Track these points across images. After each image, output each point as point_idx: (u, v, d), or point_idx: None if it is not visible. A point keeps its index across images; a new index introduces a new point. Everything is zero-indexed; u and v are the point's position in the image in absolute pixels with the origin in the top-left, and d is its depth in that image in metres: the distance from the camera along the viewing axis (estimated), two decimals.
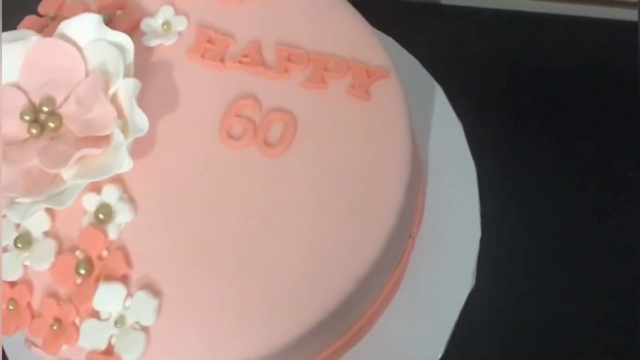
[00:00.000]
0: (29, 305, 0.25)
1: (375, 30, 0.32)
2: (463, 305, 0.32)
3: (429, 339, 0.32)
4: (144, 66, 0.28)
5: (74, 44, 0.27)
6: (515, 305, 0.35)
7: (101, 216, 0.26)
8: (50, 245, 0.26)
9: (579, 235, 0.36)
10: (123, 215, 0.26)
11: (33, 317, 0.25)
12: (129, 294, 0.25)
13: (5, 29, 0.28)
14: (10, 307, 0.25)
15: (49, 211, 0.26)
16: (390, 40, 0.37)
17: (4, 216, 0.26)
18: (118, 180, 0.26)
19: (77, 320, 0.25)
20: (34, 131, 0.26)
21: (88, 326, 0.24)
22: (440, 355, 0.31)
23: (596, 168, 0.38)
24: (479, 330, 0.34)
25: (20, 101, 0.27)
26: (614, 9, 0.43)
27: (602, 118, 0.40)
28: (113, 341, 0.24)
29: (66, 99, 0.27)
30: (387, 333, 0.31)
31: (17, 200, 0.25)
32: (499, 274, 0.34)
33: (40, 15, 0.31)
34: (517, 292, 0.35)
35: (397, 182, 0.27)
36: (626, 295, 0.35)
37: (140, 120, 0.25)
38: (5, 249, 0.26)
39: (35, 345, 0.26)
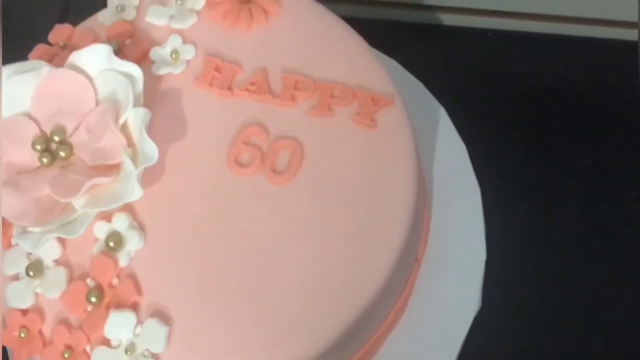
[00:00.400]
0: (40, 332, 0.26)
1: (379, 53, 0.33)
2: (469, 327, 0.32)
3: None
4: (153, 94, 0.29)
5: (84, 73, 0.27)
6: (522, 327, 0.35)
7: (111, 244, 0.26)
8: (62, 273, 0.26)
9: (585, 255, 0.37)
10: (133, 243, 0.26)
11: (44, 344, 0.25)
12: (139, 322, 0.25)
13: (15, 58, 0.29)
14: (22, 335, 0.26)
15: (60, 239, 0.26)
16: (394, 63, 0.37)
17: (16, 244, 0.27)
18: (128, 208, 0.27)
19: (88, 348, 0.25)
20: (45, 160, 0.26)
21: (99, 354, 0.25)
22: None
23: (600, 188, 0.39)
24: (485, 352, 0.34)
25: (32, 131, 0.27)
26: (614, 29, 0.43)
27: (605, 137, 0.40)
28: None
29: (77, 128, 0.27)
30: (393, 356, 0.31)
31: (28, 229, 0.25)
32: (505, 296, 0.34)
33: (50, 44, 0.31)
34: (523, 314, 0.35)
35: (403, 207, 0.27)
36: (635, 313, 0.35)
37: (150, 149, 0.26)
38: (16, 277, 0.26)
39: None
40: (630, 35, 0.43)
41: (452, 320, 0.32)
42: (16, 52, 0.31)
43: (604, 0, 0.42)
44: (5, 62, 0.28)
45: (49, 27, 0.45)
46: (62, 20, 0.46)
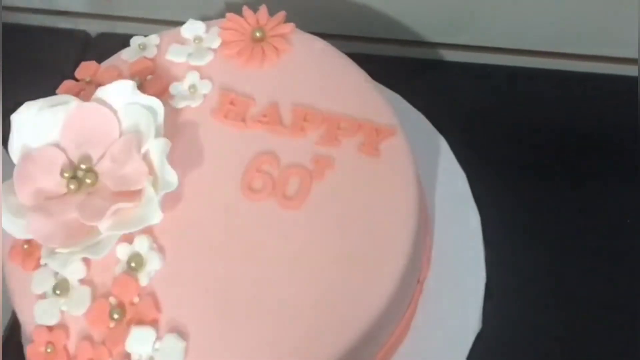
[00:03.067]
0: (65, 348, 0.27)
1: (382, 87, 0.34)
2: (470, 347, 0.33)
3: None
4: (172, 126, 0.30)
5: (109, 107, 0.29)
6: (521, 347, 0.36)
7: (133, 264, 0.28)
8: (86, 292, 0.28)
9: (583, 278, 0.37)
10: (153, 264, 0.28)
11: (69, 359, 0.27)
12: (159, 337, 0.26)
13: (42, 93, 0.31)
14: (48, 350, 0.27)
15: (85, 260, 0.28)
16: (396, 96, 0.39)
17: (43, 265, 0.28)
18: (148, 231, 0.28)
19: None
20: (72, 187, 0.28)
21: None
22: None
23: (598, 215, 0.40)
24: None
25: (60, 159, 0.29)
26: (614, 65, 0.45)
27: (602, 169, 0.41)
28: None
29: (102, 156, 0.29)
30: None
31: (56, 250, 0.27)
32: (505, 318, 0.35)
33: (77, 79, 0.33)
34: (522, 335, 0.36)
35: (406, 231, 0.29)
36: (635, 336, 0.35)
37: (170, 176, 0.28)
38: (44, 296, 0.28)
39: None
40: (629, 70, 0.44)
41: (454, 340, 0.33)
42: (43, 87, 0.33)
43: (603, 37, 0.44)
44: (29, 96, 0.30)
45: (69, 63, 0.48)
46: (81, 57, 0.48)
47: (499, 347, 0.35)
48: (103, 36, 0.51)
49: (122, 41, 0.35)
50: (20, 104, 0.30)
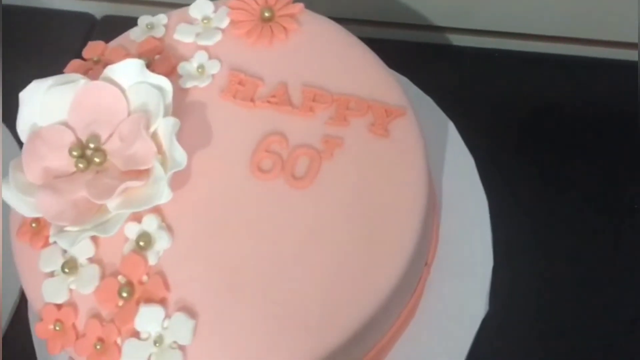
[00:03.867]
0: (74, 326, 0.27)
1: (391, 71, 0.34)
2: (477, 330, 0.33)
3: None
4: (180, 106, 0.30)
5: (118, 86, 0.29)
6: (528, 330, 0.36)
7: (141, 243, 0.28)
8: (95, 270, 0.28)
9: (590, 261, 0.37)
10: (162, 243, 0.28)
11: (78, 337, 0.27)
12: (167, 316, 0.27)
13: (50, 71, 0.31)
14: (57, 328, 0.27)
15: (93, 239, 0.28)
16: (405, 80, 0.39)
17: (52, 244, 0.28)
18: (157, 210, 0.28)
19: (118, 340, 0.26)
20: (81, 165, 0.28)
21: (129, 345, 0.26)
22: None
23: (604, 199, 0.40)
24: (492, 355, 0.35)
25: (69, 138, 0.29)
26: (614, 49, 0.45)
27: (608, 152, 0.41)
28: (152, 359, 0.26)
29: (110, 136, 0.29)
30: (404, 356, 0.32)
31: (65, 229, 0.27)
32: (512, 301, 0.35)
33: (84, 59, 0.33)
34: (529, 318, 0.36)
35: (414, 212, 0.29)
36: None
37: (179, 155, 0.28)
38: (52, 274, 0.28)
39: None
40: (630, 55, 0.44)
41: (460, 323, 0.33)
42: (50, 67, 0.33)
43: (606, 22, 0.44)
44: (36, 75, 0.30)
45: (75, 46, 0.47)
46: (86, 39, 0.48)
47: (506, 330, 0.35)
48: (108, 18, 0.51)
49: (128, 23, 0.35)
50: (27, 83, 0.30)
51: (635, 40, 0.42)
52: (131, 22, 0.35)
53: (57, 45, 0.49)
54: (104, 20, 0.51)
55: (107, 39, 0.34)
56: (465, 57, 0.46)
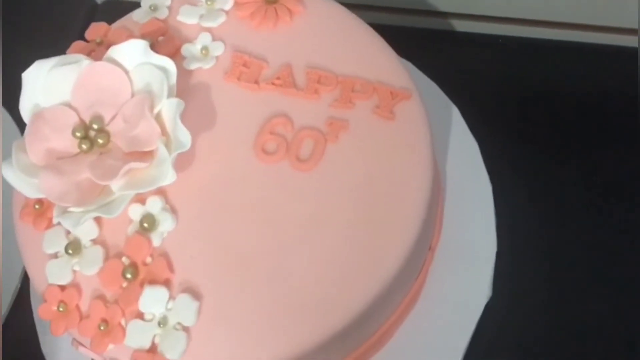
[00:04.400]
0: (77, 307, 0.27)
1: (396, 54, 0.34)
2: (480, 314, 0.33)
3: (446, 348, 0.33)
4: (184, 88, 0.30)
5: (121, 67, 0.29)
6: (531, 316, 0.36)
7: (145, 225, 0.28)
8: (99, 251, 0.28)
9: (594, 246, 0.38)
10: (165, 225, 0.28)
11: (81, 318, 0.27)
12: (171, 297, 0.27)
13: (51, 54, 0.31)
14: (61, 309, 0.27)
15: (97, 220, 0.28)
16: (409, 65, 0.39)
17: (55, 225, 0.28)
18: (161, 192, 0.28)
19: (122, 321, 0.26)
20: (84, 147, 0.28)
21: (133, 326, 0.26)
22: None
23: (609, 183, 0.40)
24: (495, 340, 0.35)
25: (72, 119, 0.29)
26: (614, 35, 0.45)
27: (611, 138, 0.41)
28: (157, 340, 0.26)
29: (114, 117, 0.29)
30: (406, 342, 0.32)
31: (69, 209, 0.27)
32: (515, 286, 0.35)
33: (87, 41, 0.33)
34: (532, 303, 0.36)
35: (419, 196, 0.29)
36: None
37: (184, 137, 0.27)
38: (56, 255, 0.28)
39: (83, 345, 0.27)
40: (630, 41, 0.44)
41: (464, 308, 0.33)
42: (52, 49, 0.32)
43: (609, 8, 0.44)
44: (38, 57, 0.30)
45: (76, 29, 0.47)
46: (87, 23, 0.48)
47: (509, 316, 0.35)
48: (109, 3, 0.51)
49: (128, 8, 0.34)
50: (28, 65, 0.29)
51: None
52: (132, 6, 0.34)
53: (59, 28, 0.49)
54: (105, 3, 0.51)
55: (108, 21, 0.34)
56: (468, 43, 0.46)
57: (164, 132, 0.28)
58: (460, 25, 0.47)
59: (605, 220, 0.38)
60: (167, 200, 0.28)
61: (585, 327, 0.36)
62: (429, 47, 0.45)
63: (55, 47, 0.33)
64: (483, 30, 0.47)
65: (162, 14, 0.33)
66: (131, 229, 0.28)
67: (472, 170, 0.36)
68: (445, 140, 0.37)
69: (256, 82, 0.31)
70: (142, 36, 0.32)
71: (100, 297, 0.27)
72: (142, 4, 0.34)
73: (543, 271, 0.37)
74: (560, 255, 0.37)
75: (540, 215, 0.38)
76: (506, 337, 0.35)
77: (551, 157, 0.40)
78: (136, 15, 0.33)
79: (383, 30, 0.33)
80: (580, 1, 0.44)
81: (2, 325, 0.37)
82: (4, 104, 0.42)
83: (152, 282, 0.27)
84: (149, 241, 0.27)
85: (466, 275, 0.34)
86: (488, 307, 0.33)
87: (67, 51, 0.32)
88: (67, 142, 0.28)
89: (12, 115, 0.43)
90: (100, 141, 0.28)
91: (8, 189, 0.29)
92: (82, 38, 0.33)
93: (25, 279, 0.38)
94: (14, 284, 0.39)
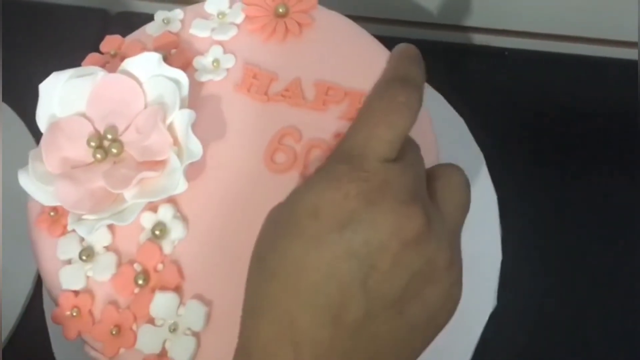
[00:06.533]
0: (90, 312, 0.28)
1: None
2: (485, 324, 0.34)
3: (452, 357, 0.33)
4: (195, 99, 0.31)
5: (135, 78, 0.30)
6: (536, 325, 0.36)
7: (157, 233, 0.28)
8: (111, 258, 0.28)
9: (598, 258, 0.38)
10: (177, 232, 0.28)
11: (94, 323, 0.28)
12: (182, 303, 0.27)
13: (65, 65, 0.31)
14: (74, 314, 0.28)
15: (110, 228, 0.29)
16: None
17: (70, 232, 0.29)
18: (172, 200, 0.29)
19: (134, 326, 0.27)
20: (98, 156, 0.29)
21: (144, 331, 0.27)
22: None
23: (614, 196, 0.40)
24: (501, 349, 0.35)
25: (87, 129, 0.29)
26: (625, 49, 0.45)
27: (617, 149, 0.42)
28: (167, 345, 0.27)
29: (127, 127, 0.29)
30: None
31: (84, 217, 0.28)
32: (520, 297, 0.36)
33: (101, 53, 0.34)
34: (537, 312, 0.36)
35: None
36: None
37: (195, 147, 0.28)
38: (69, 261, 0.29)
39: (95, 349, 0.28)
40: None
41: (469, 317, 0.34)
42: (67, 60, 0.33)
43: (614, 21, 0.44)
44: (51, 67, 0.31)
45: (89, 41, 0.48)
46: (101, 35, 0.49)
47: (514, 325, 0.36)
48: (122, 15, 0.52)
49: (141, 20, 0.35)
50: (42, 76, 0.30)
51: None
52: (145, 18, 0.35)
53: (73, 40, 0.50)
54: (118, 16, 0.52)
55: (121, 34, 0.35)
56: (474, 55, 0.47)
57: (175, 142, 0.29)
58: (466, 38, 0.48)
59: (611, 231, 0.39)
60: (178, 209, 0.29)
61: (591, 337, 0.36)
62: (434, 59, 0.45)
63: (69, 57, 0.34)
64: (488, 43, 0.47)
65: (175, 27, 0.34)
66: (143, 236, 0.28)
67: (478, 182, 0.37)
68: (451, 151, 0.37)
69: (266, 94, 0.31)
70: (155, 49, 0.33)
71: (113, 303, 0.28)
72: (155, 17, 0.34)
73: (548, 281, 0.37)
74: (565, 265, 0.38)
75: (545, 225, 0.39)
76: (511, 346, 0.36)
77: (556, 169, 0.41)
78: (149, 29, 0.34)
79: (389, 43, 0.34)
80: (587, 14, 0.44)
81: (14, 331, 0.38)
82: (21, 116, 0.43)
83: (163, 288, 0.27)
84: (160, 248, 0.28)
85: (472, 285, 0.34)
86: (493, 317, 0.34)
87: (83, 63, 0.33)
88: (81, 152, 0.29)
89: (27, 125, 0.44)
90: (114, 151, 0.29)
91: (21, 197, 0.30)
92: (95, 48, 0.34)
93: (37, 286, 0.39)
94: (27, 289, 0.40)
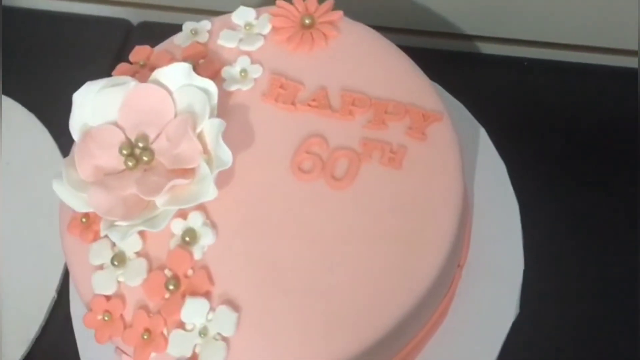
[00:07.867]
0: (121, 317, 0.28)
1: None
2: (507, 332, 0.34)
3: None
4: (224, 108, 0.31)
5: (165, 88, 0.30)
6: (558, 334, 0.36)
7: (187, 239, 0.29)
8: (142, 264, 0.29)
9: (623, 264, 0.38)
10: (206, 239, 0.29)
11: (125, 327, 0.28)
12: (212, 308, 0.28)
13: (90, 74, 0.32)
14: (106, 318, 0.28)
15: (141, 234, 0.29)
16: (437, 86, 0.40)
17: (102, 238, 0.30)
18: (202, 207, 0.29)
19: (165, 331, 0.27)
20: (130, 164, 0.29)
21: (175, 336, 0.27)
22: None
23: (630, 202, 0.40)
24: (522, 358, 0.35)
25: (119, 138, 0.30)
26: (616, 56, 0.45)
27: (635, 156, 0.42)
28: (197, 350, 0.27)
29: (158, 136, 0.30)
30: (434, 357, 0.33)
31: (116, 223, 0.28)
32: (542, 305, 0.36)
33: (131, 63, 0.35)
34: (560, 321, 0.37)
35: (450, 215, 0.29)
36: None
37: (225, 155, 0.29)
38: (102, 267, 0.29)
39: (126, 353, 0.29)
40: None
41: (491, 325, 0.34)
42: (96, 69, 0.34)
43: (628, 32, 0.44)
44: (76, 78, 0.31)
45: (111, 51, 0.49)
46: (123, 45, 0.50)
47: (536, 334, 0.36)
48: (144, 25, 0.52)
49: (163, 30, 0.36)
50: (64, 85, 0.30)
51: None
52: (167, 28, 0.36)
53: (96, 50, 0.51)
54: (140, 26, 0.52)
55: (144, 44, 0.35)
56: (494, 65, 0.47)
57: (205, 150, 0.29)
58: (486, 48, 0.48)
59: (633, 238, 0.39)
60: (207, 216, 0.29)
61: (614, 346, 0.36)
62: (455, 69, 0.46)
63: (92, 66, 0.34)
64: (508, 53, 0.48)
65: (203, 38, 0.34)
66: (173, 242, 0.29)
67: (500, 190, 0.37)
68: (473, 160, 0.38)
69: (293, 103, 0.32)
70: (184, 59, 0.33)
71: (144, 308, 0.28)
72: (183, 28, 0.35)
73: (570, 289, 0.37)
74: (587, 273, 0.38)
75: (567, 233, 0.39)
76: (533, 355, 0.36)
77: (577, 177, 0.41)
78: (177, 39, 0.35)
79: (411, 52, 0.34)
80: (606, 25, 0.44)
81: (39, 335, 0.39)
82: (48, 127, 0.44)
83: (193, 293, 0.28)
84: (191, 254, 0.29)
85: (494, 293, 0.35)
86: (515, 325, 0.34)
87: (113, 73, 0.34)
88: (113, 159, 0.30)
89: (51, 132, 0.45)
90: (145, 158, 0.29)
91: (51, 203, 0.30)
92: (118, 58, 0.34)
93: (61, 292, 0.40)
94: (50, 295, 0.40)
